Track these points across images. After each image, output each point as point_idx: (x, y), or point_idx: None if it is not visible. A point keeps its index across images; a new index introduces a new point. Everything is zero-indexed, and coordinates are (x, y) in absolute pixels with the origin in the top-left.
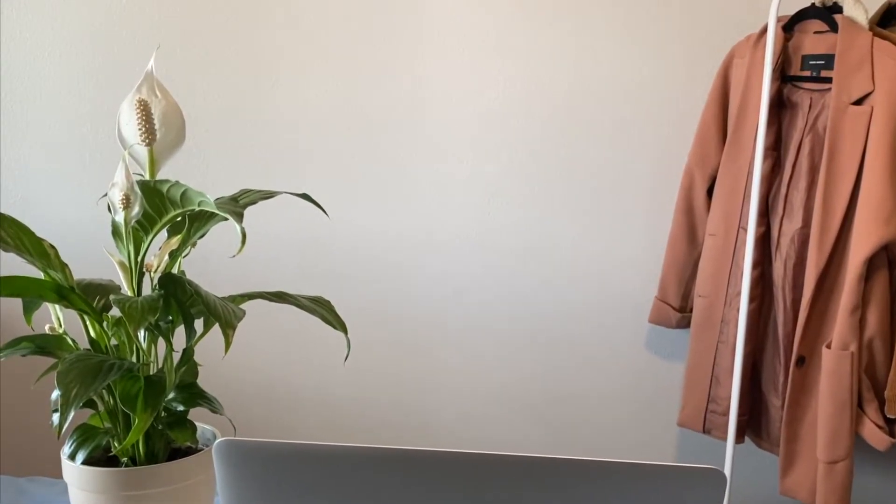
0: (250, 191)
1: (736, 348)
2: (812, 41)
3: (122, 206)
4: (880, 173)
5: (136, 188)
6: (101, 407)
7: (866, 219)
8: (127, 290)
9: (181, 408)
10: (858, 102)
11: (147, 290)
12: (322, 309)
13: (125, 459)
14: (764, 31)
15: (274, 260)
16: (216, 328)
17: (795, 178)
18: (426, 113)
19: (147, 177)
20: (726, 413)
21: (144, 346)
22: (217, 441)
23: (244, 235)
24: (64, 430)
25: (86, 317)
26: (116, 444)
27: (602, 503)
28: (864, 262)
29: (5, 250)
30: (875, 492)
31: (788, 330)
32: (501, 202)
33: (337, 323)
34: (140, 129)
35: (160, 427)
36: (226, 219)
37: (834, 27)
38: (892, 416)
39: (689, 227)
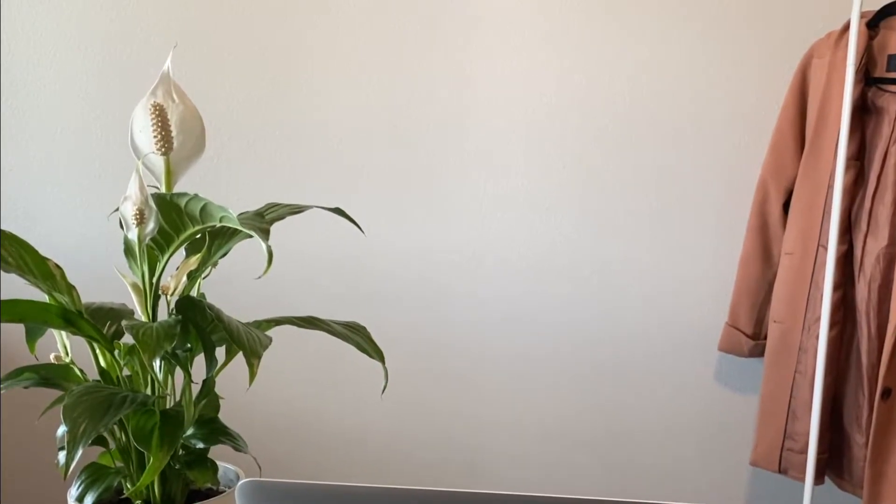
0: (277, 205)
1: (815, 379)
2: None
3: (135, 222)
4: None
5: (151, 202)
6: (112, 444)
7: None
8: (141, 315)
9: (201, 445)
10: None
11: (163, 314)
12: (357, 336)
13: (139, 502)
14: (846, 27)
15: (304, 281)
16: (239, 357)
17: (881, 191)
18: (471, 119)
19: (163, 189)
20: (804, 451)
21: (160, 376)
22: (241, 482)
23: (270, 254)
24: (71, 469)
25: (95, 344)
26: (129, 486)
27: None
28: None
29: (6, 271)
30: None
31: (873, 359)
32: (554, 218)
33: (373, 351)
34: (155, 137)
35: (178, 467)
36: (250, 236)
37: None
38: None
39: (763, 246)
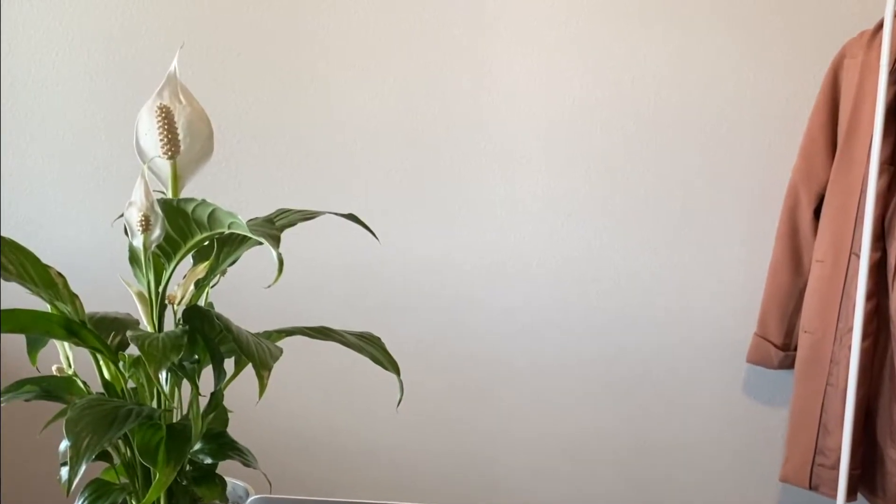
0: (288, 211)
1: (847, 392)
2: None
3: (140, 229)
4: None
5: (157, 208)
6: (116, 459)
7: None
8: (146, 326)
9: (209, 460)
10: None
11: (169, 325)
12: (371, 347)
13: None
14: (880, 26)
15: (316, 290)
16: (249, 369)
17: None
18: (490, 121)
19: (169, 195)
20: (836, 466)
21: (167, 389)
22: (250, 499)
23: (281, 262)
24: (74, 485)
25: (99, 356)
26: (134, 503)
27: None
28: None
29: (7, 279)
30: None
31: None
32: (577, 225)
33: (388, 362)
34: (161, 140)
35: (185, 483)
36: (260, 243)
37: None
38: None
39: (794, 253)
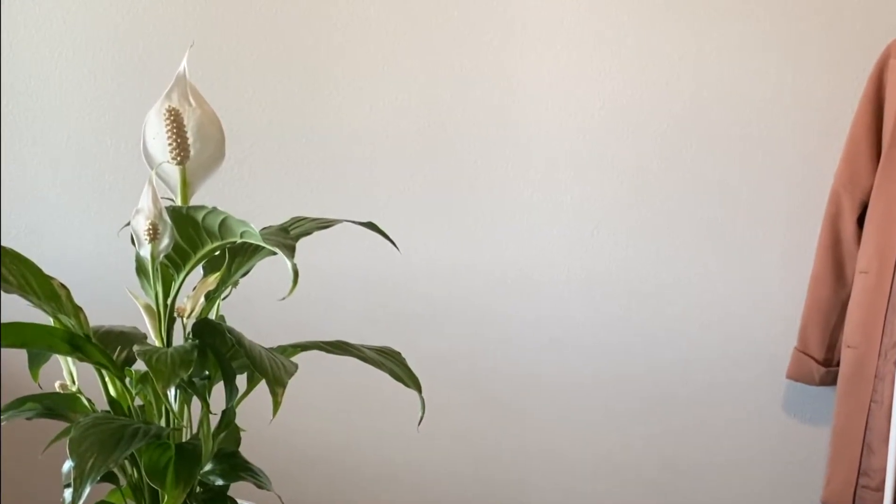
0: (304, 219)
1: (892, 410)
2: None
3: (148, 238)
4: None
5: (166, 216)
6: (122, 481)
7: None
8: (154, 340)
9: (220, 482)
10: None
11: (178, 339)
12: (390, 362)
13: None
14: None
15: (332, 303)
16: (262, 386)
17: None
18: (515, 125)
19: (179, 202)
20: (881, 488)
21: (175, 407)
22: None
23: (296, 273)
24: None
25: (104, 372)
26: None
27: None
28: None
29: (7, 291)
30: None
31: None
32: (607, 233)
33: (408, 379)
34: (170, 145)
35: None
36: (274, 253)
37: None
38: None
39: (836, 264)
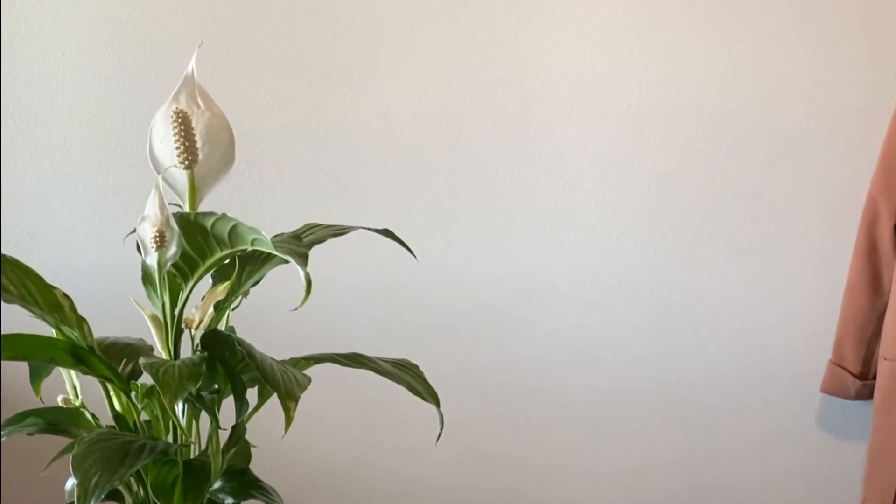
0: (317, 226)
1: None
2: None
3: (154, 246)
4: None
5: (173, 223)
6: (128, 499)
7: None
8: (161, 352)
9: (230, 500)
10: None
11: (186, 351)
12: (408, 375)
13: None
14: None
15: (347, 313)
16: (274, 400)
17: None
18: (539, 128)
19: (186, 208)
20: None
21: (183, 422)
22: None
23: (309, 282)
24: None
25: (109, 385)
26: None
27: None
28: None
29: (7, 301)
30: None
31: None
32: (633, 241)
33: (426, 393)
34: (178, 148)
35: None
36: (286, 261)
37: None
38: None
39: (873, 273)
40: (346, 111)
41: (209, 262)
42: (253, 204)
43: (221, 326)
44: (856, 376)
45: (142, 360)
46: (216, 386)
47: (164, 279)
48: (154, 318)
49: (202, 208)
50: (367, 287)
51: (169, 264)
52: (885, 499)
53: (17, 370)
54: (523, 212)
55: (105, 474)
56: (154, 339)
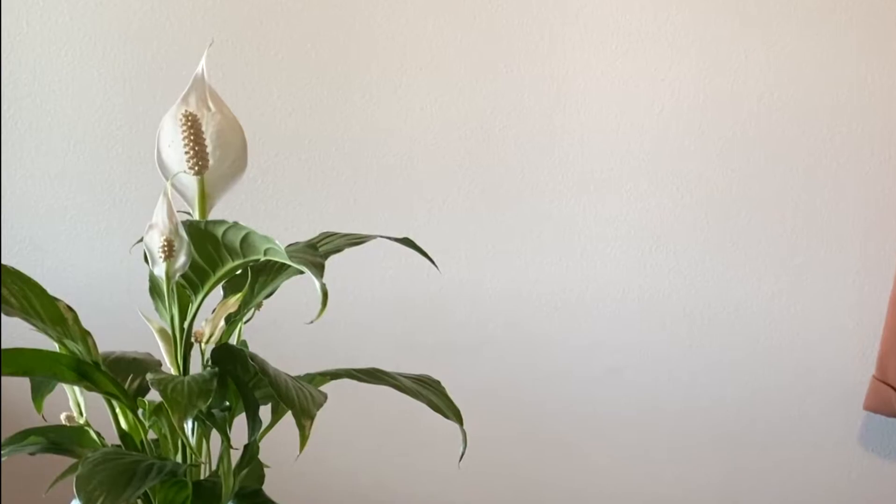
0: (334, 234)
1: None
2: None
3: (163, 256)
4: None
5: (182, 231)
6: None
7: None
8: (170, 368)
9: None
10: None
11: (196, 366)
12: (429, 392)
13: None
14: None
15: (365, 327)
16: (288, 418)
17: None
18: (567, 133)
19: (196, 216)
20: None
21: (193, 441)
22: None
23: (325, 294)
24: None
25: (115, 402)
26: None
27: None
28: None
29: (8, 314)
30: None
31: None
32: (667, 251)
33: (449, 410)
34: (187, 153)
35: None
36: (301, 272)
37: None
38: None
39: None
40: (364, 114)
41: (220, 272)
42: (266, 211)
43: (233, 340)
44: None
45: (149, 376)
46: (227, 403)
47: (172, 291)
48: (162, 332)
49: (213, 216)
50: (387, 299)
51: (178, 275)
52: None
53: (18, 386)
54: (550, 221)
55: (111, 496)
56: (162, 353)
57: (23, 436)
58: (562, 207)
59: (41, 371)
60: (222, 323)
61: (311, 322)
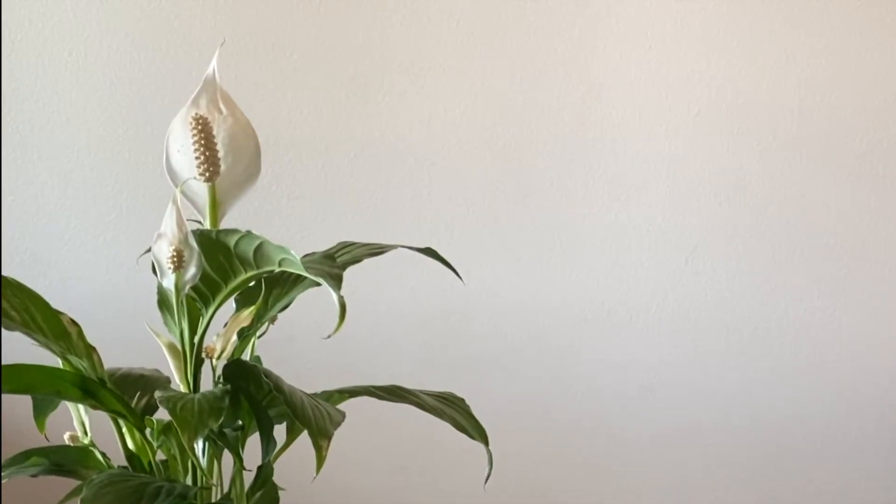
0: (352, 244)
1: None
2: None
3: (172, 267)
4: None
5: (192, 241)
6: None
7: None
8: (179, 384)
9: None
10: None
11: (207, 383)
12: (453, 410)
13: None
14: None
15: (385, 342)
16: (304, 437)
17: None
18: (599, 137)
19: (207, 225)
20: None
21: (204, 462)
22: None
23: (343, 307)
24: None
25: (121, 421)
26: None
27: None
28: None
29: (9, 328)
30: None
31: None
32: (704, 262)
33: (473, 430)
34: (198, 159)
35: None
36: (318, 283)
37: None
38: None
39: None
40: (383, 118)
41: (232, 284)
42: (281, 220)
43: (246, 356)
44: None
45: (157, 394)
46: (240, 422)
47: (182, 303)
48: (171, 347)
49: (225, 225)
50: (408, 312)
51: (188, 287)
52: None
53: (19, 405)
54: (580, 230)
55: None
56: (171, 369)
57: (24, 457)
58: (592, 215)
59: (44, 388)
60: (234, 337)
61: (329, 336)
